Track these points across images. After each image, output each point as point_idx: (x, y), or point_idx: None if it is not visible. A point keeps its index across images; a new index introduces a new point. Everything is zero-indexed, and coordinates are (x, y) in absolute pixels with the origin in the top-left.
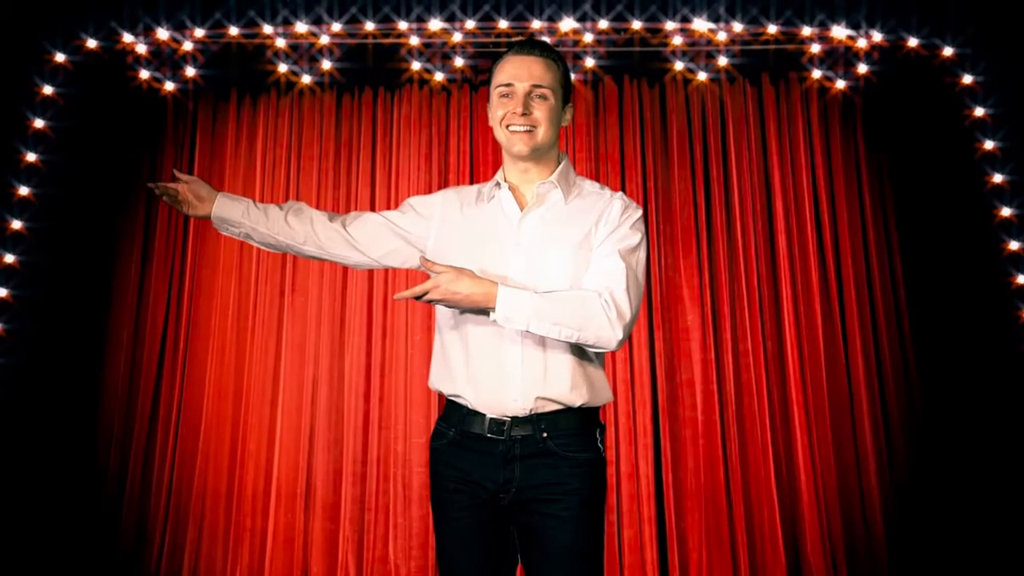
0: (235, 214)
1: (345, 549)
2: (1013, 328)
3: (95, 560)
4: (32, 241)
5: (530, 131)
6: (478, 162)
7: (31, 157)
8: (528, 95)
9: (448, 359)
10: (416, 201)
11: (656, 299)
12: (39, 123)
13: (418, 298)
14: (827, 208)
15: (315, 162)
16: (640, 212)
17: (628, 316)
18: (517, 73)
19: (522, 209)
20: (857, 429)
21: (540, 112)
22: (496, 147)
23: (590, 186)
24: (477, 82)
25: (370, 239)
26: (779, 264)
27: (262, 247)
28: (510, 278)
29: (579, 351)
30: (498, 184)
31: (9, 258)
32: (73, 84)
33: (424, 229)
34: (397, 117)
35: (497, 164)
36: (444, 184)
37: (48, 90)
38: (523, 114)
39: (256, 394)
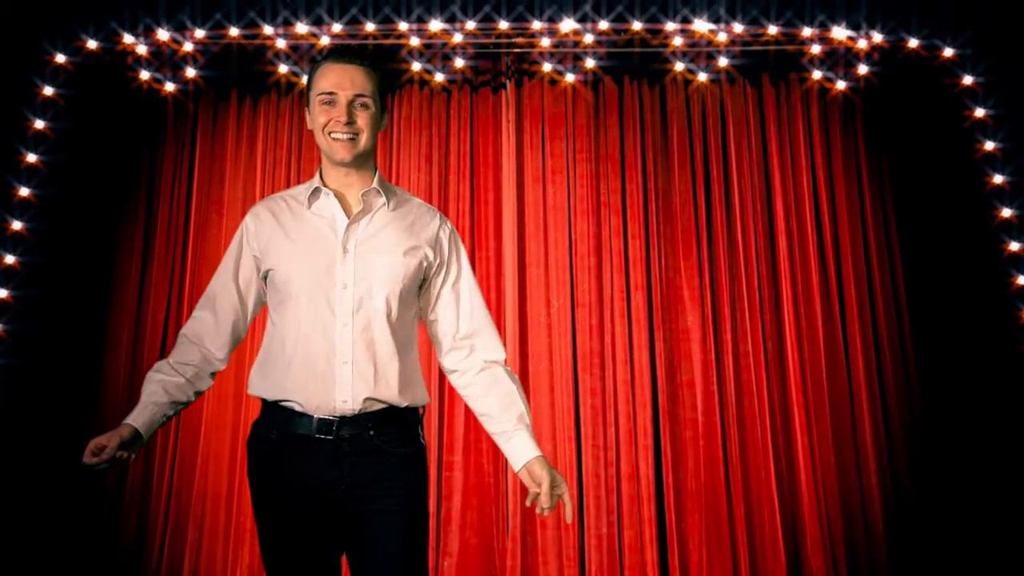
0: (157, 419)
1: None
2: (1013, 329)
3: (96, 561)
4: (32, 242)
5: (352, 139)
6: (478, 163)
7: (31, 158)
8: (351, 104)
9: (274, 364)
10: (232, 245)
11: (656, 300)
12: (39, 124)
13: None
14: (827, 209)
15: (316, 164)
16: (456, 232)
17: (503, 344)
18: (340, 82)
19: (348, 215)
20: (857, 430)
21: (362, 120)
22: (497, 148)
23: (403, 194)
24: (478, 83)
25: (241, 308)
26: (779, 265)
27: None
28: (338, 285)
29: (405, 356)
30: (318, 190)
31: (9, 259)
32: (73, 85)
33: (251, 260)
34: (397, 118)
35: (497, 165)
36: (444, 185)
37: (48, 91)
38: (347, 123)
39: None
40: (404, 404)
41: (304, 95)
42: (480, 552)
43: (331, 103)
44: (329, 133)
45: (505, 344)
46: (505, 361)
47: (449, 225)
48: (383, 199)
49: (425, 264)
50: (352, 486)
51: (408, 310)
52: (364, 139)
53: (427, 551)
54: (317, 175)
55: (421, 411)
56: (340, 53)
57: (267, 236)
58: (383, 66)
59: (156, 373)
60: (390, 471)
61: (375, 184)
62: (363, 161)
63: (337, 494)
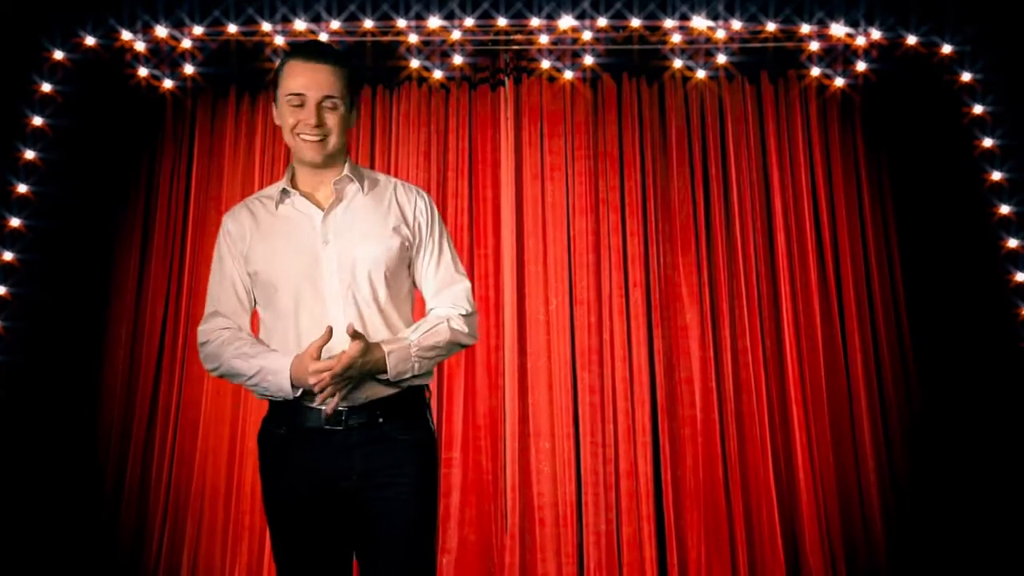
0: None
1: None
2: (1012, 326)
3: (94, 557)
4: (31, 239)
5: (322, 140)
6: (476, 160)
7: (30, 155)
8: (319, 105)
9: None
10: (217, 252)
11: (655, 297)
12: (38, 121)
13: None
14: (826, 206)
15: None
16: (432, 202)
17: (475, 323)
18: (308, 83)
19: (322, 208)
20: (856, 427)
21: (331, 122)
22: (495, 145)
23: (376, 176)
24: (476, 80)
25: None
26: (778, 262)
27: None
28: (324, 277)
29: (396, 333)
30: (286, 191)
31: (8, 256)
32: (72, 82)
33: (241, 262)
34: (396, 115)
35: (496, 162)
36: (443, 182)
37: (47, 88)
38: (316, 125)
39: None
40: (407, 383)
41: (271, 89)
42: (479, 549)
43: (300, 105)
44: (298, 134)
45: (504, 335)
46: (459, 316)
47: (425, 198)
48: (356, 185)
49: (407, 244)
50: (363, 474)
51: (398, 291)
52: (333, 140)
53: (435, 537)
54: (287, 175)
55: (428, 394)
56: (308, 51)
57: (248, 238)
58: (384, 62)
59: (225, 349)
60: (399, 458)
61: (346, 172)
62: (334, 159)
63: (348, 483)
